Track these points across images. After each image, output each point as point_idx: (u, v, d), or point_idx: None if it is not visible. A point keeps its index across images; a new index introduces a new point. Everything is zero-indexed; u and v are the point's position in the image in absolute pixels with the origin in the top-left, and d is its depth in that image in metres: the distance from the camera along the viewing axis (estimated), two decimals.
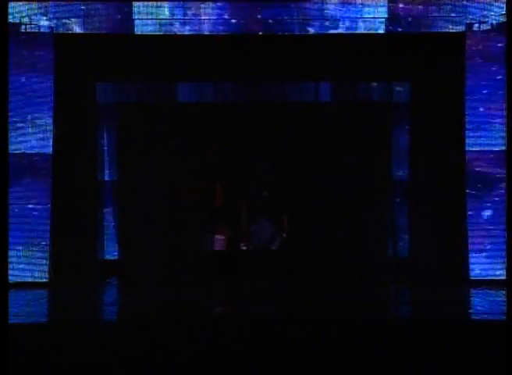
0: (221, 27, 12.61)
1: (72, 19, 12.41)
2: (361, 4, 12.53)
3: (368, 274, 12.03)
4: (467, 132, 12.40)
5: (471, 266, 12.31)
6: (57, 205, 12.34)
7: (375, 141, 12.43)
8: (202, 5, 12.53)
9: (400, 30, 12.51)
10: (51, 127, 12.39)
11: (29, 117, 12.34)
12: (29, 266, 12.31)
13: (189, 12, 12.56)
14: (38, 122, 12.38)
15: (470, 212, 12.39)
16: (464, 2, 12.45)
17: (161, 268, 12.24)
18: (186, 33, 12.50)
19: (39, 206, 12.37)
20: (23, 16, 12.29)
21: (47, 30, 12.39)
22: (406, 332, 8.39)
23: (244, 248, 11.98)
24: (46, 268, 12.30)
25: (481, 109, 12.43)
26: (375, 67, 12.31)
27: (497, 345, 7.90)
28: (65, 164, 12.32)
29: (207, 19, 12.60)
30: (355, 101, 12.57)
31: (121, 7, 12.52)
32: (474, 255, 12.34)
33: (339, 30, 12.58)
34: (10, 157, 11.81)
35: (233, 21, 12.57)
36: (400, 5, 12.47)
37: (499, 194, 12.28)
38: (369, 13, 12.58)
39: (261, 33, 12.56)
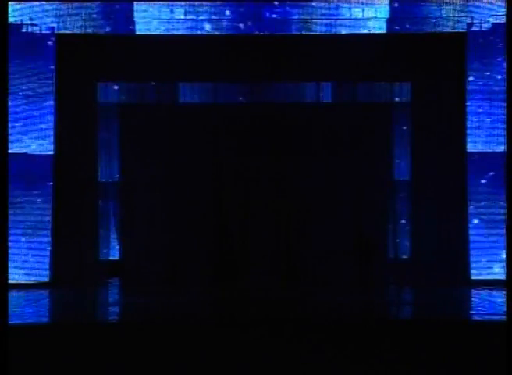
0: (221, 28, 12.64)
1: (73, 19, 12.48)
2: (362, 4, 12.55)
3: (368, 274, 12.02)
4: (467, 132, 12.41)
5: (471, 266, 12.33)
6: (58, 206, 12.36)
7: (376, 140, 12.43)
8: (202, 6, 12.57)
9: (400, 30, 12.59)
10: (52, 127, 12.40)
11: (30, 117, 12.35)
12: (30, 265, 12.33)
13: (189, 13, 12.61)
14: (39, 122, 12.39)
15: (470, 213, 12.40)
16: (465, 2, 12.48)
17: (161, 268, 12.27)
18: (187, 33, 12.56)
19: (40, 206, 12.38)
20: (26, 15, 12.35)
21: (48, 31, 12.40)
22: (406, 332, 8.39)
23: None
24: (47, 268, 12.34)
25: (482, 109, 12.44)
26: (376, 67, 12.32)
27: (497, 345, 7.90)
28: (67, 164, 12.34)
29: (207, 19, 12.63)
30: (356, 102, 12.58)
31: (122, 7, 12.57)
32: (474, 254, 12.35)
33: (341, 31, 12.62)
34: (11, 157, 11.85)
35: (234, 21, 12.60)
36: (401, 6, 12.53)
37: (499, 194, 12.28)
38: (370, 13, 12.61)
39: (261, 33, 12.59)
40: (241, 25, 12.60)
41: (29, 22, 12.34)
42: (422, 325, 8.58)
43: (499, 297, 10.65)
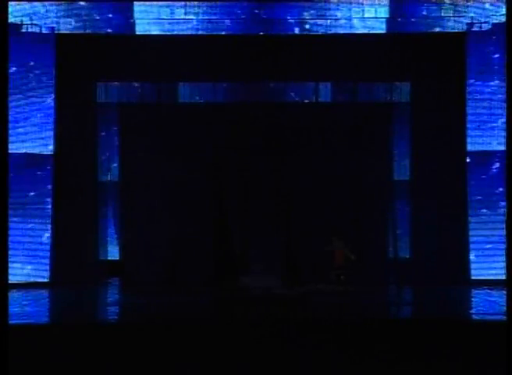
0: (221, 28, 12.64)
1: (73, 19, 12.49)
2: (362, 4, 12.56)
3: (368, 274, 12.03)
4: (467, 132, 12.41)
5: (471, 266, 12.33)
6: (58, 205, 12.36)
7: (376, 140, 12.43)
8: (202, 6, 12.58)
9: (400, 30, 12.59)
10: (52, 127, 12.41)
11: (30, 117, 12.36)
12: (30, 266, 12.34)
13: (189, 13, 12.61)
14: (39, 122, 12.40)
15: (470, 213, 12.40)
16: (465, 2, 12.48)
17: (161, 268, 12.27)
18: (187, 33, 12.57)
19: (40, 206, 12.38)
20: (26, 15, 12.36)
21: (48, 31, 12.41)
22: (406, 332, 8.39)
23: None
24: (47, 268, 12.34)
25: (482, 109, 12.44)
26: (376, 67, 12.33)
27: (497, 345, 7.90)
28: (66, 164, 12.35)
29: (207, 19, 12.63)
30: (356, 101, 12.59)
31: (122, 7, 12.58)
32: (474, 255, 12.36)
33: (341, 31, 12.62)
34: (11, 157, 11.85)
35: (234, 21, 12.60)
36: (401, 6, 12.54)
37: (499, 194, 12.29)
38: (370, 13, 12.62)
39: (261, 33, 12.59)
40: (241, 25, 12.59)
41: (29, 22, 12.35)
42: (422, 325, 8.58)
43: (499, 297, 10.65)
